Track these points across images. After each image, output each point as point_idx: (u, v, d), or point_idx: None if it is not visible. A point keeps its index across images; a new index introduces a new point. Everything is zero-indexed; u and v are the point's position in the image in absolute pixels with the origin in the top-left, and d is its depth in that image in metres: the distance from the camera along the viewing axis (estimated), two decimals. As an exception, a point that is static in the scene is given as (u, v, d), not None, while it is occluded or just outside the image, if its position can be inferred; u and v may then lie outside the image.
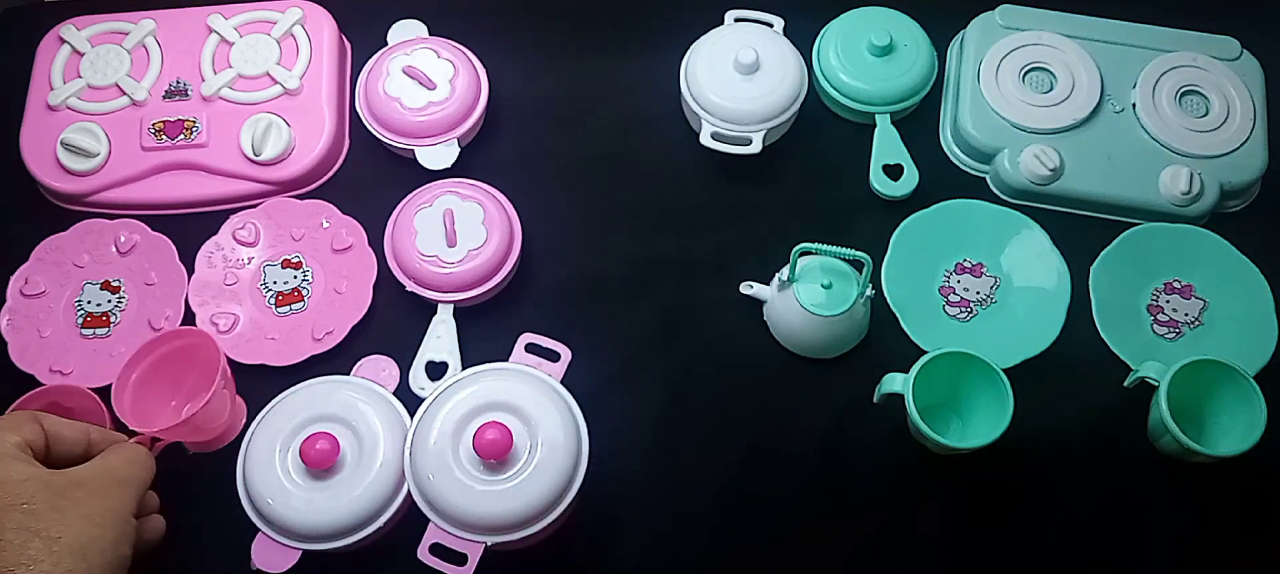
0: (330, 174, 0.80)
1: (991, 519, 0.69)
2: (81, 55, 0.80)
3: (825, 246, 0.68)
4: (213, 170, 0.77)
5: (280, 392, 0.67)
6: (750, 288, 0.74)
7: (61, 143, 0.76)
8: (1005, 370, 0.66)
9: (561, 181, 0.80)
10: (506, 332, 0.70)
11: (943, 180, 0.79)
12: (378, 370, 0.70)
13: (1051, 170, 0.76)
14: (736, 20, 0.82)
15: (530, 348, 0.69)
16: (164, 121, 0.78)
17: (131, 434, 0.62)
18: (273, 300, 0.74)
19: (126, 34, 0.81)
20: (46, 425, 0.56)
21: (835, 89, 0.81)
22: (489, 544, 0.62)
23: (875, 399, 0.70)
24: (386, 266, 0.74)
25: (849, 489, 0.70)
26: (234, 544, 0.64)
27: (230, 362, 0.69)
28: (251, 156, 0.76)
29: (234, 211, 0.77)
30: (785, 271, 0.71)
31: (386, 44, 0.81)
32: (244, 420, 0.70)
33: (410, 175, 0.77)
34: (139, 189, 0.77)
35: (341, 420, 0.66)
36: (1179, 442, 0.65)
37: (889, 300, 0.75)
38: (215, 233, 0.76)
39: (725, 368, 0.74)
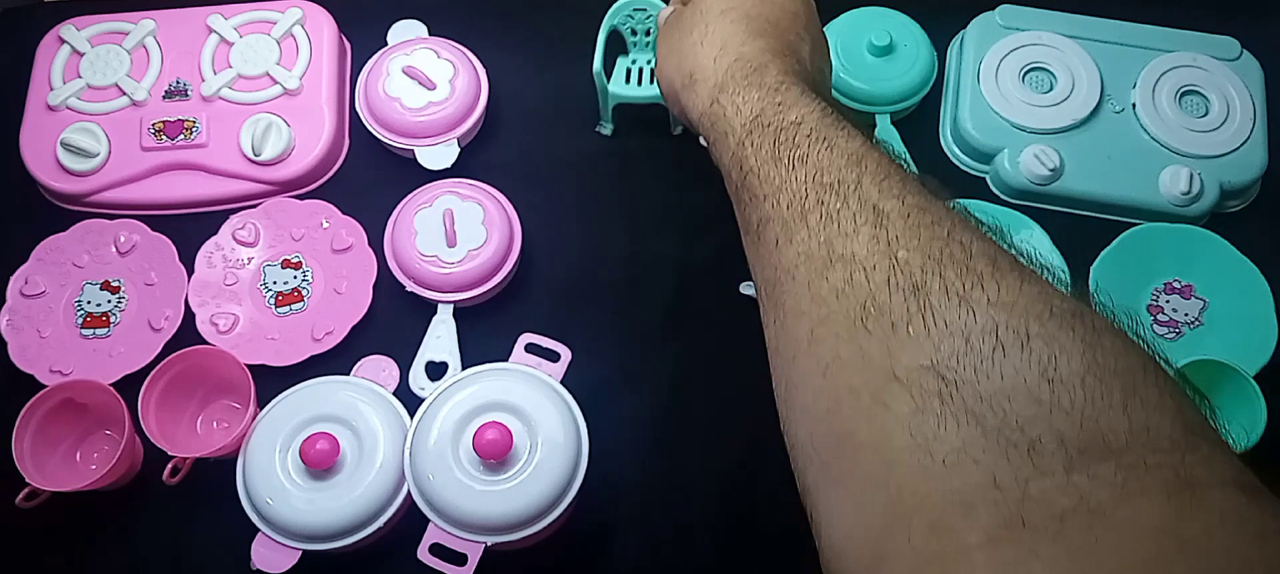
0: (330, 174, 0.80)
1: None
2: (81, 55, 0.80)
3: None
4: (213, 170, 0.77)
5: (280, 392, 0.67)
6: (750, 288, 0.74)
7: (61, 143, 0.76)
8: (1005, 370, 0.66)
9: (561, 181, 0.80)
10: (506, 332, 0.70)
11: (943, 180, 0.79)
12: (378, 370, 0.70)
13: (1051, 170, 0.76)
14: (736, 20, 0.82)
15: (530, 348, 0.69)
16: (164, 121, 0.78)
17: (160, 453, 0.64)
18: (272, 300, 0.74)
19: (126, 34, 0.81)
20: None
21: (835, 89, 0.81)
22: (489, 544, 0.62)
23: (875, 399, 0.69)
24: (386, 267, 0.74)
25: (849, 489, 0.70)
26: (234, 544, 0.64)
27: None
28: (251, 157, 0.76)
29: (234, 212, 0.77)
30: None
31: (386, 44, 0.81)
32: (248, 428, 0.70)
33: (410, 175, 0.77)
34: (139, 189, 0.77)
35: (341, 420, 0.66)
36: (1179, 442, 0.65)
37: (889, 300, 0.75)
38: (215, 233, 0.76)
39: (725, 368, 0.74)
